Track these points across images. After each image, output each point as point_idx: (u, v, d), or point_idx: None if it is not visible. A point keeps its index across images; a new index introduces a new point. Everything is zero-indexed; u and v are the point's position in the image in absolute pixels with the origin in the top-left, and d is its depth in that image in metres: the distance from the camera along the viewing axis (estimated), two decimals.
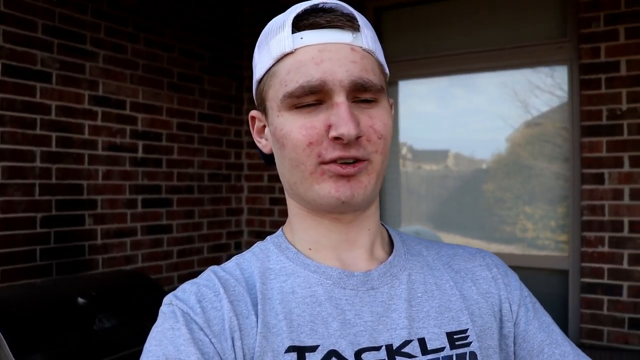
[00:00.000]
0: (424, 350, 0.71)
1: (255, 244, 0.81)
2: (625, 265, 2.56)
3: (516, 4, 3.00)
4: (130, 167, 2.94)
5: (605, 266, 2.60)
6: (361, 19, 0.73)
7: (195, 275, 2.75)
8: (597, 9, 2.64)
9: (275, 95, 0.72)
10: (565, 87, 2.88)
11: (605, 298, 2.60)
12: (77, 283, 2.49)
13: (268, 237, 0.82)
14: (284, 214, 3.27)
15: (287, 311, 0.70)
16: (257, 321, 0.69)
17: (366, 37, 0.72)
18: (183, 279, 3.16)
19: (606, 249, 2.60)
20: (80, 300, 2.17)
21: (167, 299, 0.72)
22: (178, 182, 3.19)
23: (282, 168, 0.75)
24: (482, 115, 3.20)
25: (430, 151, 3.48)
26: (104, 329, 2.15)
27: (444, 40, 3.19)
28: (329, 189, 0.70)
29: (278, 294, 0.72)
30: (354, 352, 0.69)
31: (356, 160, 0.69)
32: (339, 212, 0.74)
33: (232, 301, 0.70)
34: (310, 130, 0.69)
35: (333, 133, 0.67)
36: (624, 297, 2.56)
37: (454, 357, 0.71)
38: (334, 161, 0.69)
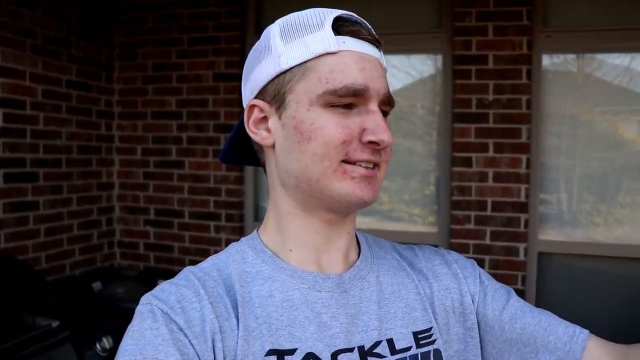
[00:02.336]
0: (393, 351, 0.74)
1: (230, 245, 0.81)
2: (487, 241, 2.85)
3: None
4: None
5: (471, 242, 2.88)
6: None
7: (65, 254, 2.61)
8: (470, 5, 2.85)
9: (310, 89, 0.72)
10: (439, 74, 3.09)
11: None
12: None
13: (242, 239, 0.82)
14: (160, 189, 3.16)
15: (266, 315, 0.71)
16: (237, 324, 0.69)
17: (383, 57, 0.79)
18: (52, 259, 2.94)
19: (472, 226, 2.87)
20: None
21: (144, 299, 0.70)
22: (44, 155, 2.92)
23: (295, 163, 0.73)
24: None
25: None
26: None
27: None
28: (352, 188, 0.72)
29: (257, 297, 0.73)
30: (330, 354, 0.71)
31: (374, 165, 0.74)
32: (351, 211, 0.78)
33: (212, 302, 0.70)
34: (346, 130, 0.71)
35: (371, 137, 0.71)
36: (486, 269, 2.86)
37: (419, 356, 0.75)
38: (357, 163, 0.72)
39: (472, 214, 2.87)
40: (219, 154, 0.90)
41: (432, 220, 3.13)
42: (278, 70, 0.74)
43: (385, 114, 0.76)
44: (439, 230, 3.05)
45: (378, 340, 0.74)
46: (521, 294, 2.82)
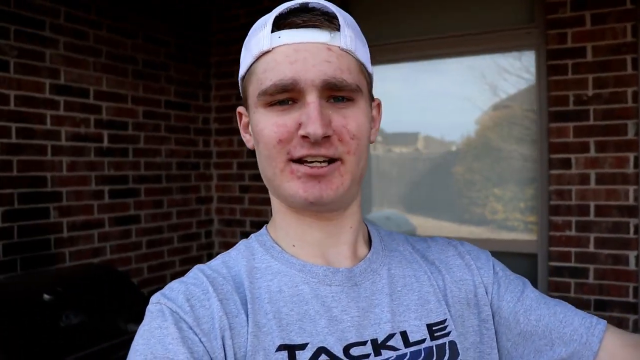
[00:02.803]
0: (407, 343, 0.73)
1: (240, 242, 0.81)
2: (591, 249, 2.61)
3: None
4: (96, 157, 2.87)
5: (572, 250, 2.65)
6: (344, 19, 0.73)
7: (165, 265, 2.72)
8: None
9: (253, 92, 0.73)
10: (533, 71, 2.90)
11: (572, 281, 2.65)
12: (43, 278, 2.42)
13: (252, 235, 0.82)
14: (254, 202, 3.23)
15: (276, 310, 0.71)
16: (247, 320, 0.69)
17: (345, 36, 0.72)
18: (153, 270, 3.12)
19: (573, 232, 2.64)
20: (45, 296, 2.12)
21: (154, 298, 0.71)
22: (145, 172, 3.13)
23: (260, 163, 0.76)
24: (450, 98, 3.20)
25: (401, 134, 3.49)
26: (71, 326, 2.10)
27: (412, 25, 3.17)
28: (296, 189, 0.71)
29: (266, 293, 0.72)
30: (342, 348, 0.70)
31: (330, 161, 0.70)
32: (311, 211, 0.75)
33: (221, 300, 0.70)
34: (281, 128, 0.70)
35: (301, 132, 0.69)
36: (590, 279, 2.61)
37: (434, 348, 0.73)
38: (302, 160, 0.70)
39: (573, 219, 2.64)
40: None
41: (531, 227, 2.93)
42: (240, 77, 0.79)
43: (344, 99, 0.71)
44: (538, 237, 2.84)
45: (391, 333, 0.73)
46: (632, 307, 2.54)
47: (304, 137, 0.69)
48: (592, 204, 2.61)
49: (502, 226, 3.05)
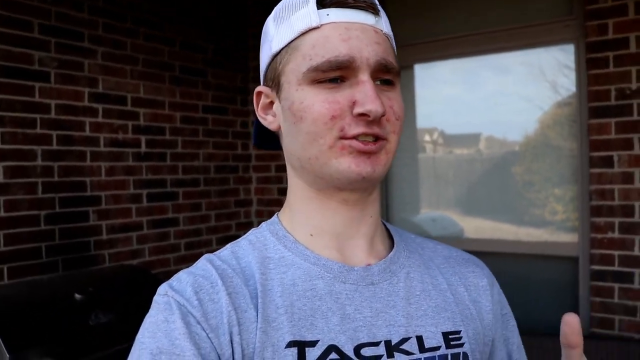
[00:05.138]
0: (422, 348, 0.72)
1: (250, 231, 0.80)
2: (636, 252, 2.45)
3: None
4: (134, 162, 2.97)
5: (616, 253, 2.50)
6: (379, 5, 0.75)
7: None
8: None
9: (296, 68, 0.71)
10: (570, 67, 2.75)
11: (616, 286, 2.50)
12: (78, 279, 2.53)
13: (263, 224, 0.80)
14: None
15: (289, 304, 0.69)
16: (256, 315, 0.67)
17: (385, 22, 0.74)
18: None
19: (616, 234, 2.49)
20: (77, 296, 2.21)
21: (161, 289, 0.70)
22: (183, 175, 3.21)
23: (295, 144, 0.73)
24: (510, 96, 3.10)
25: (454, 135, 3.41)
26: (100, 324, 2.18)
27: (452, 22, 3.09)
28: (348, 164, 0.69)
29: (279, 286, 0.71)
30: (353, 347, 0.68)
31: (376, 139, 0.70)
32: (356, 188, 0.73)
33: (230, 293, 0.68)
34: (334, 105, 0.68)
35: (359, 109, 0.67)
36: (636, 284, 2.45)
37: (449, 357, 0.73)
38: (355, 137, 0.69)
39: (616, 220, 2.49)
40: (252, 139, 0.91)
41: (575, 230, 2.78)
42: (271, 54, 0.75)
43: (388, 82, 0.72)
44: (579, 239, 2.69)
45: (406, 336, 0.72)
46: None
47: (362, 115, 0.68)
48: (636, 204, 2.45)
49: (560, 227, 2.90)
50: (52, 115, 2.63)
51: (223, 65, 3.47)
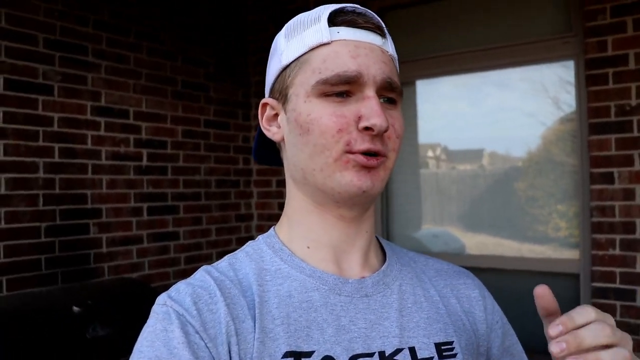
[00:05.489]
0: (415, 359, 0.73)
1: (247, 244, 0.81)
2: (638, 269, 2.44)
3: None
4: (135, 175, 2.98)
5: (617, 270, 2.48)
6: (386, 29, 0.78)
7: None
8: (603, 0, 2.52)
9: (305, 81, 0.73)
10: (569, 83, 2.76)
11: (618, 303, 2.48)
12: (77, 292, 2.52)
13: (260, 237, 0.82)
14: None
15: (285, 316, 0.70)
16: (254, 326, 0.69)
17: (391, 44, 0.78)
18: None
19: (617, 251, 2.48)
20: (75, 309, 2.21)
21: (160, 299, 0.70)
22: (184, 189, 3.22)
23: (300, 155, 0.74)
24: (513, 112, 3.10)
25: (456, 151, 3.41)
26: (97, 338, 2.17)
27: (454, 38, 3.11)
28: (351, 178, 0.71)
29: (275, 297, 0.72)
30: (348, 358, 0.70)
31: (377, 155, 0.72)
32: (355, 203, 0.75)
33: (228, 304, 0.69)
34: (341, 118, 0.71)
35: (365, 123, 0.70)
36: (638, 302, 2.44)
37: None
38: (360, 152, 0.71)
39: (617, 237, 2.48)
40: (252, 154, 0.93)
41: (574, 245, 2.77)
42: (280, 67, 0.77)
43: (391, 101, 0.75)
44: (580, 256, 2.68)
45: (399, 347, 0.73)
46: None
47: (366, 129, 0.70)
48: (637, 221, 2.44)
49: (564, 244, 2.89)
50: (55, 128, 2.65)
51: (225, 80, 3.49)
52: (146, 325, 0.69)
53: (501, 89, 3.13)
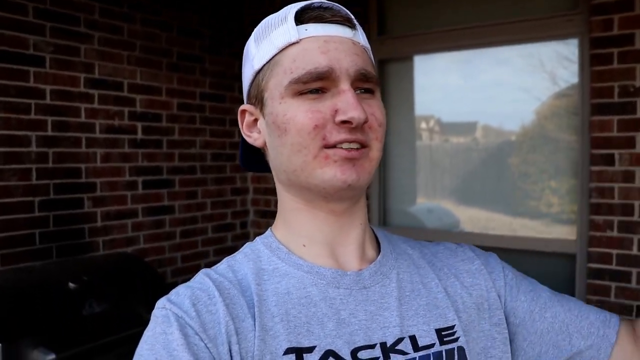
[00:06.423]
0: (416, 347, 0.73)
1: (245, 245, 0.82)
2: (635, 251, 2.44)
3: None
4: (130, 149, 2.94)
5: (614, 252, 2.48)
6: (355, 20, 0.78)
7: (199, 255, 2.77)
8: None
9: (278, 83, 0.73)
10: (573, 62, 2.72)
11: (613, 284, 2.49)
12: (72, 267, 2.51)
13: (257, 238, 0.82)
14: None
15: (284, 313, 0.71)
16: (254, 324, 0.69)
17: (362, 35, 0.78)
18: (187, 260, 3.17)
19: (615, 233, 2.48)
20: (71, 285, 2.19)
21: (160, 303, 0.71)
22: (180, 163, 3.18)
23: (281, 157, 0.74)
24: (508, 87, 3.06)
25: (451, 123, 3.38)
26: (93, 314, 2.16)
27: (455, 14, 3.04)
28: (334, 172, 0.71)
29: (273, 295, 0.72)
30: (350, 351, 0.70)
31: (360, 146, 0.71)
32: (342, 197, 0.74)
33: (227, 304, 0.69)
34: (316, 114, 0.70)
35: (342, 117, 0.69)
36: (633, 284, 2.45)
37: (444, 353, 0.74)
38: (338, 145, 0.70)
39: (615, 219, 2.47)
40: (239, 160, 0.93)
41: (571, 226, 2.77)
42: (253, 72, 0.77)
43: (368, 91, 0.74)
44: (577, 237, 2.68)
45: (400, 337, 0.73)
46: None
47: (344, 122, 0.69)
48: (636, 203, 2.43)
49: (556, 220, 2.89)
50: (47, 100, 2.59)
51: (221, 52, 3.42)
52: (147, 329, 0.69)
53: (498, 64, 3.08)
